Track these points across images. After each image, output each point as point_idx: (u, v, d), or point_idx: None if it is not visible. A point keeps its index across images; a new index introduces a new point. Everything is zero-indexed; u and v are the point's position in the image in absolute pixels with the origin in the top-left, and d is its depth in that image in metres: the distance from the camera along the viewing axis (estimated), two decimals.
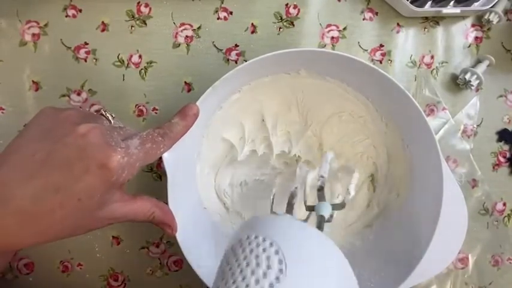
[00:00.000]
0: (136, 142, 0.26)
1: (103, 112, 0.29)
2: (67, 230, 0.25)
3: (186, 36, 0.44)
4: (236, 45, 0.44)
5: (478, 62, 0.47)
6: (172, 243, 0.45)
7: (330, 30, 0.45)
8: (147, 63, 0.44)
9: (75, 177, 0.23)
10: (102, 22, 0.43)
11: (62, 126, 0.25)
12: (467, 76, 0.45)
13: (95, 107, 0.43)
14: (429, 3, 0.45)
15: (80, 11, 0.43)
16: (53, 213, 0.23)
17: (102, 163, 0.23)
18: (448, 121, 0.47)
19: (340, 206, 0.34)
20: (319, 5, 0.45)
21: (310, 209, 0.35)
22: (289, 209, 0.35)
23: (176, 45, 0.44)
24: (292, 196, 0.36)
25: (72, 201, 0.23)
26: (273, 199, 0.39)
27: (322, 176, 0.35)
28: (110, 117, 0.28)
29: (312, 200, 0.36)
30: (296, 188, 0.36)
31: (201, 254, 0.37)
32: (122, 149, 0.24)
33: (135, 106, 0.44)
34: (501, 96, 0.48)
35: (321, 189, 0.35)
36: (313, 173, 0.39)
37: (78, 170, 0.23)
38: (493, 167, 0.48)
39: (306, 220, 0.36)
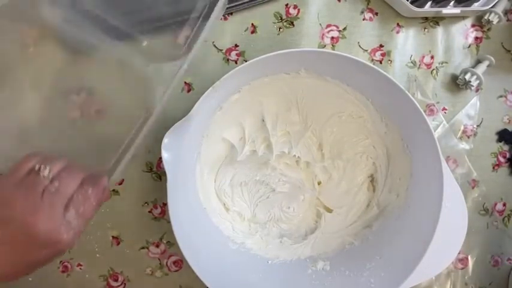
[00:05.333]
0: (72, 213, 0.28)
1: (39, 167, 0.29)
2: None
3: None
4: (236, 45, 0.44)
5: (478, 62, 0.47)
6: (172, 243, 0.45)
7: (330, 31, 0.45)
8: None
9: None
10: None
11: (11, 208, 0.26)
12: (467, 76, 0.45)
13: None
14: (429, 3, 0.45)
15: None
16: None
17: (54, 245, 0.27)
18: (448, 121, 0.47)
19: None
20: (319, 5, 0.45)
21: None
22: None
23: None
24: None
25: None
26: None
27: None
28: (47, 172, 0.29)
29: None
30: None
31: (200, 254, 0.37)
32: (65, 228, 0.27)
33: None
34: (501, 96, 0.48)
35: None
36: None
37: (32, 250, 0.26)
38: (493, 167, 0.48)
39: None
